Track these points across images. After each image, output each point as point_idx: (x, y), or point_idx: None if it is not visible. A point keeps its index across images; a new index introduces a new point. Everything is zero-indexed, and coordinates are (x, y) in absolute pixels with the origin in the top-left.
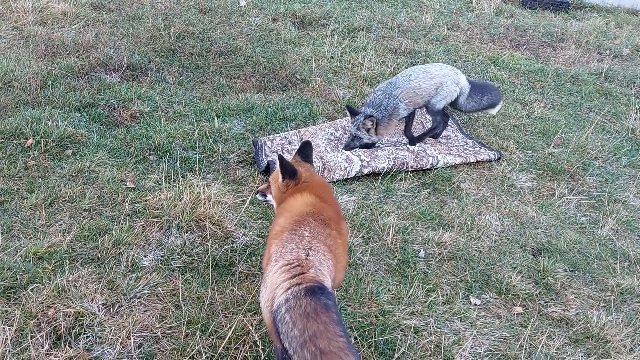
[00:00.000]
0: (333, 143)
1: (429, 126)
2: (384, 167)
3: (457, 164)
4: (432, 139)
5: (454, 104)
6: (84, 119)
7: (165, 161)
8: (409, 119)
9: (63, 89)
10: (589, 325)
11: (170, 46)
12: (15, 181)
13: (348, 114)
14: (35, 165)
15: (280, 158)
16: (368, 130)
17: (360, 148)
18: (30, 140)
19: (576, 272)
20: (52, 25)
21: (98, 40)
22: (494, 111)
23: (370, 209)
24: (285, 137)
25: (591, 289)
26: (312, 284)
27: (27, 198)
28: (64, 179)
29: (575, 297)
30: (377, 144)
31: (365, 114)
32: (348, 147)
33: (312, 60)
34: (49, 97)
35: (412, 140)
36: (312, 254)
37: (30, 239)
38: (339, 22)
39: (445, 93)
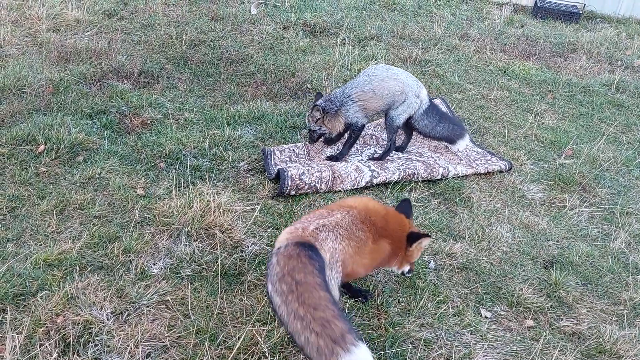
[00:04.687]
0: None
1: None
2: (394, 178)
3: (468, 175)
4: (397, 153)
5: (408, 117)
6: (96, 126)
7: (175, 169)
8: (352, 137)
9: (75, 95)
10: (601, 340)
11: (181, 54)
12: (26, 187)
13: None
14: (47, 171)
15: None
16: (317, 120)
17: (324, 142)
18: (41, 147)
19: (588, 285)
20: (65, 32)
21: (110, 47)
22: (455, 147)
23: None
24: (293, 150)
25: (603, 302)
26: (304, 241)
27: (37, 204)
28: (74, 185)
29: (588, 311)
30: (330, 136)
31: (317, 104)
32: (311, 140)
33: (323, 68)
34: (61, 103)
35: (334, 158)
36: (322, 230)
37: (40, 245)
38: (350, 30)
39: (407, 105)
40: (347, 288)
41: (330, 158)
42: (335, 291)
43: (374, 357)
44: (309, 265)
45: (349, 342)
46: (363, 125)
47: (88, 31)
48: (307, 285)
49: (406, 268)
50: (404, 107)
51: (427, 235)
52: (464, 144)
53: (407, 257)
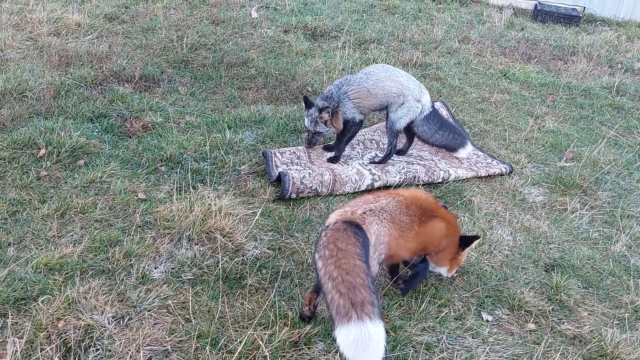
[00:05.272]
0: (343, 158)
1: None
2: (395, 181)
3: (469, 178)
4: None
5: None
6: (97, 130)
7: (176, 172)
8: (350, 133)
9: (76, 99)
10: (603, 343)
11: (182, 57)
12: (27, 191)
13: (304, 105)
14: (48, 175)
15: None
16: (326, 122)
17: (324, 149)
18: (43, 151)
19: (590, 288)
20: (66, 36)
21: (111, 51)
22: (456, 155)
23: None
24: (294, 152)
25: (605, 306)
26: (353, 220)
27: (38, 208)
28: (75, 189)
29: (589, 314)
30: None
31: (318, 107)
32: (311, 144)
33: (324, 72)
34: (62, 107)
35: (335, 158)
36: (369, 215)
37: (41, 249)
38: (350, 34)
39: (407, 109)
40: (393, 271)
41: (331, 160)
42: (375, 268)
43: (385, 344)
44: (353, 237)
45: (366, 312)
46: (361, 122)
47: (89, 35)
48: (346, 252)
49: (454, 272)
50: (404, 111)
51: (477, 237)
52: (465, 152)
53: (458, 261)
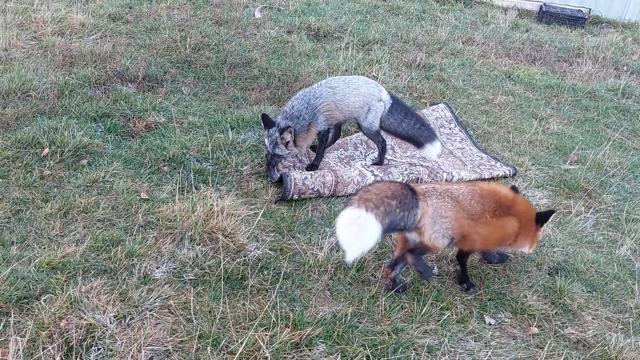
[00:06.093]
0: (344, 161)
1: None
2: None
3: (472, 180)
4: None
5: None
6: (100, 129)
7: (179, 172)
8: (324, 137)
9: (80, 99)
10: (606, 348)
11: (185, 57)
12: (30, 190)
13: (262, 124)
14: (51, 174)
15: None
16: (287, 144)
17: (307, 169)
18: (46, 150)
19: (594, 292)
20: (70, 35)
21: (115, 51)
22: (424, 152)
23: None
24: (296, 155)
25: (609, 310)
26: (409, 186)
27: (42, 208)
28: (78, 189)
29: (593, 319)
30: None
31: (280, 126)
32: (270, 166)
33: (327, 72)
34: (65, 107)
35: (314, 166)
36: (431, 190)
37: (44, 248)
38: (354, 35)
39: (374, 112)
40: (462, 266)
41: (310, 167)
42: (440, 241)
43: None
44: (395, 186)
45: (367, 206)
46: (329, 130)
47: (93, 35)
48: (386, 187)
49: (533, 247)
50: (372, 115)
51: (553, 212)
52: (434, 150)
53: (537, 237)
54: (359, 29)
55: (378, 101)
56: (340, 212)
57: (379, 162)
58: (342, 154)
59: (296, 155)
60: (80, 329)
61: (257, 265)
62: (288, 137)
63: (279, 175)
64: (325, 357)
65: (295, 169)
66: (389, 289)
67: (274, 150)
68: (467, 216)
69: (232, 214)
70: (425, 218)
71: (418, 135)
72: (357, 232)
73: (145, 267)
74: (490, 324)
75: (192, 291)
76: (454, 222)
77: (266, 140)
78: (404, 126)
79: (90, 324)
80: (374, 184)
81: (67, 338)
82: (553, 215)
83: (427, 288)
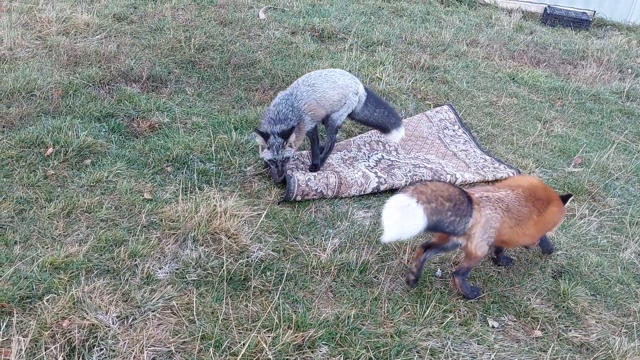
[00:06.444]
0: (347, 162)
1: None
2: (401, 184)
3: (475, 182)
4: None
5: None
6: (104, 129)
7: (182, 173)
8: (313, 135)
9: (84, 99)
10: (610, 351)
11: (190, 58)
12: (34, 190)
13: (261, 138)
14: (55, 174)
15: None
16: (291, 144)
17: (310, 170)
18: (50, 150)
19: (597, 295)
20: (75, 35)
21: (119, 51)
22: (389, 137)
23: None
24: (298, 158)
25: (613, 313)
26: (466, 193)
27: (45, 207)
28: (82, 188)
29: (596, 322)
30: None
31: (276, 133)
32: (282, 174)
33: None
34: (70, 106)
35: (316, 166)
36: (485, 199)
37: (47, 248)
38: (358, 36)
39: (347, 106)
40: (497, 254)
41: (313, 168)
42: (484, 249)
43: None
44: (453, 190)
45: (420, 199)
46: (315, 127)
47: (97, 35)
48: (444, 188)
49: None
50: (345, 109)
51: (571, 195)
52: (398, 135)
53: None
54: (363, 30)
55: (354, 94)
56: (393, 195)
57: (323, 158)
58: (345, 155)
59: (298, 158)
60: (83, 329)
61: (260, 267)
62: (293, 137)
63: (282, 176)
64: (328, 359)
65: (298, 170)
66: (409, 281)
67: (283, 154)
68: (515, 223)
69: (235, 215)
70: (476, 227)
71: (386, 122)
72: (401, 218)
73: (148, 268)
74: (493, 327)
75: (194, 292)
76: (499, 232)
77: (268, 152)
78: (375, 115)
79: (93, 324)
80: (434, 181)
81: (70, 338)
82: (571, 198)
83: (430, 290)
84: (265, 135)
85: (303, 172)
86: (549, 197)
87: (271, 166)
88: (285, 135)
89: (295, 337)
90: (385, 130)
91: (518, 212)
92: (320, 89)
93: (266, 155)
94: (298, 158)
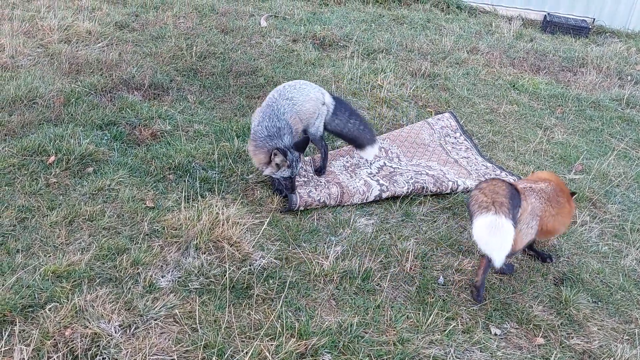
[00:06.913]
0: (350, 169)
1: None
2: (403, 192)
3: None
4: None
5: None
6: (106, 137)
7: (184, 181)
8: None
9: (86, 106)
10: (612, 359)
11: (191, 66)
12: (36, 198)
13: (281, 157)
14: (57, 182)
15: None
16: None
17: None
18: (52, 158)
19: (599, 302)
20: (77, 43)
21: (121, 59)
22: (363, 153)
23: (389, 233)
24: (301, 165)
25: (615, 320)
26: (512, 184)
27: (47, 215)
28: (84, 197)
29: (598, 329)
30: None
31: (288, 147)
32: (293, 189)
33: (332, 81)
34: (71, 114)
35: (321, 168)
36: (529, 190)
37: (49, 257)
38: (359, 44)
39: (319, 117)
40: (532, 249)
41: (319, 171)
42: (528, 238)
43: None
44: (505, 186)
45: (503, 212)
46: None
47: (99, 43)
48: (497, 188)
49: None
50: (319, 120)
51: (575, 193)
52: (372, 152)
53: None
54: (364, 37)
55: (322, 105)
56: (478, 217)
57: (321, 167)
58: (347, 162)
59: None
60: (85, 338)
61: (263, 275)
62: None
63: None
64: None
65: (299, 177)
66: (475, 287)
67: (299, 167)
68: (556, 212)
69: (238, 223)
70: (524, 215)
71: (362, 137)
72: (502, 238)
73: (151, 276)
74: (496, 334)
75: (197, 300)
76: (542, 220)
77: (287, 170)
78: (349, 127)
79: (95, 333)
80: (488, 182)
81: (72, 347)
82: (575, 196)
83: (432, 298)
84: (284, 153)
85: (305, 185)
86: (568, 191)
87: (283, 183)
88: (300, 147)
89: (298, 345)
90: (359, 145)
91: (557, 202)
92: (298, 102)
93: (284, 173)
94: (301, 165)
